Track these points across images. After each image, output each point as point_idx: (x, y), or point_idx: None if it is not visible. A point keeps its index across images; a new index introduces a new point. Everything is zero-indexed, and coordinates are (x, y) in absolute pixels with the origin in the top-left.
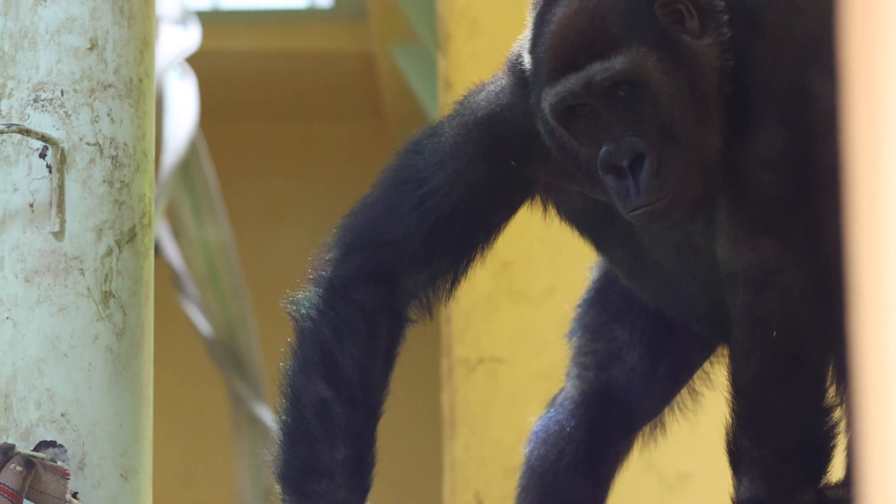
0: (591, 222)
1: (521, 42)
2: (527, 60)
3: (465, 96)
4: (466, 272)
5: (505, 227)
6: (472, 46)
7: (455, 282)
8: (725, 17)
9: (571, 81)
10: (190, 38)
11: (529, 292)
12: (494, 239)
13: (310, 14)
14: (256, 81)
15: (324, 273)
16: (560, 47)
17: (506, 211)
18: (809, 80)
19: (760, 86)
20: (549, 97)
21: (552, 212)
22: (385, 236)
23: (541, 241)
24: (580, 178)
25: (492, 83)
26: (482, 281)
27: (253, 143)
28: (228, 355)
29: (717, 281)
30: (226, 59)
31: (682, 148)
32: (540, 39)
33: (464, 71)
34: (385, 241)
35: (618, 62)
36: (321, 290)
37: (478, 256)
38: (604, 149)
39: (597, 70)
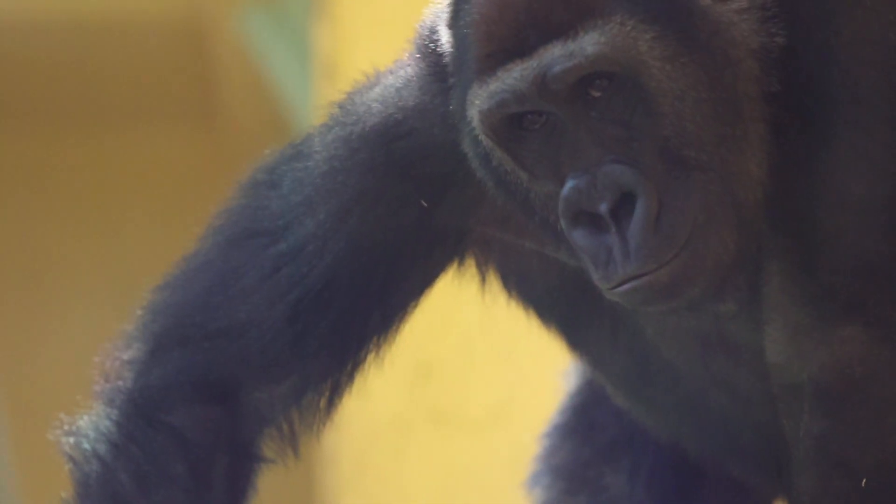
0: (557, 301)
1: (436, 8)
2: (445, 38)
3: (349, 95)
4: (353, 380)
5: (415, 306)
6: (369, 11)
7: (335, 396)
8: None
9: (515, 75)
10: None
11: (463, 414)
12: (398, 326)
13: None
14: (18, 64)
15: (121, 382)
16: (497, 18)
17: (416, 282)
18: None
19: (834, 77)
20: (478, 100)
21: (494, 283)
22: (219, 322)
23: (478, 330)
24: (534, 229)
25: (391, 73)
26: (387, 395)
27: (11, 164)
28: None
29: (769, 396)
30: None
31: (698, 181)
32: (465, 5)
33: (357, 49)
34: (219, 331)
35: (589, 42)
36: (116, 411)
37: (372, 355)
38: (569, 183)
39: (556, 56)
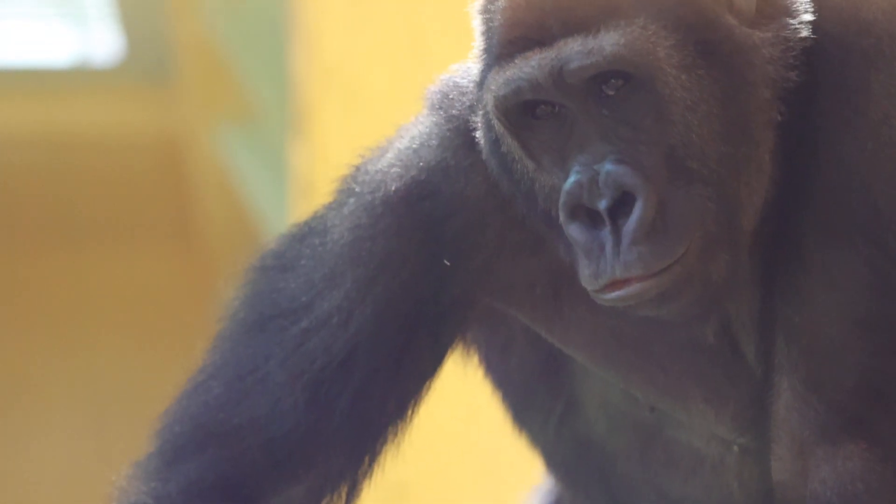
0: (520, 390)
1: (450, 71)
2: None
3: (358, 167)
4: (370, 476)
5: (428, 389)
6: (346, 129)
7: (352, 495)
8: (803, 6)
9: (532, 63)
10: None
11: None
12: (413, 411)
13: (78, 77)
14: None
15: (140, 497)
16: (523, 5)
17: (429, 360)
18: None
19: (852, 185)
20: (495, 84)
21: (477, 365)
22: (240, 418)
23: (455, 452)
24: (534, 222)
25: (401, 138)
26: None
27: None
28: None
29: None
30: None
31: (699, 195)
32: None
33: (333, 168)
34: (240, 427)
35: (609, 41)
36: None
37: (388, 444)
38: (572, 177)
39: (575, 51)
